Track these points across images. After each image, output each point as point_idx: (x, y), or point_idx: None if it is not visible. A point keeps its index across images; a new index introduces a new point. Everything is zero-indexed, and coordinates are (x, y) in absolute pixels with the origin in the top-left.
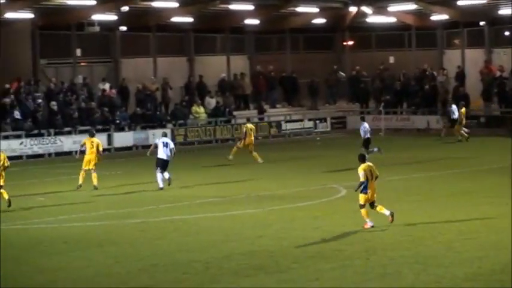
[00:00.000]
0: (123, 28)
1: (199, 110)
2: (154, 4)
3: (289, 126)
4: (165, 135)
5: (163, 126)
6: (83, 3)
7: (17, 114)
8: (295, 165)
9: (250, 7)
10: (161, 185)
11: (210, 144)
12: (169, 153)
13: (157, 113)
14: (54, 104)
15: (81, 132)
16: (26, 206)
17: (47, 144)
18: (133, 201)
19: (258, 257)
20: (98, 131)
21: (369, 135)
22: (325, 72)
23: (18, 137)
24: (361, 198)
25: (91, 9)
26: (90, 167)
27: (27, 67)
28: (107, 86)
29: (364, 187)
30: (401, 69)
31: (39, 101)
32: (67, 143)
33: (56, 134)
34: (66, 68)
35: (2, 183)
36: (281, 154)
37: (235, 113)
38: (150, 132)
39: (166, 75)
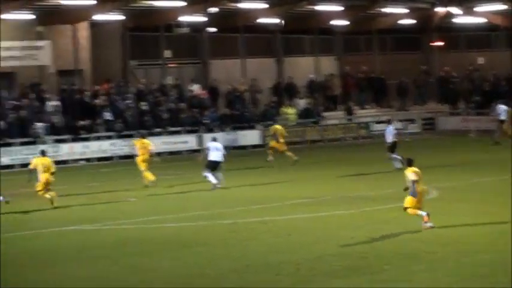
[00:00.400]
0: (212, 29)
1: (288, 111)
2: (243, 5)
3: (378, 127)
4: (214, 139)
5: (252, 128)
6: (172, 4)
7: (107, 115)
8: (384, 166)
9: (338, 8)
10: (215, 181)
11: (299, 145)
12: (221, 156)
13: (246, 114)
14: (144, 105)
15: (171, 133)
16: (117, 206)
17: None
18: (224, 202)
19: (350, 258)
20: (188, 131)
21: (395, 139)
22: (414, 73)
23: (109, 137)
24: (409, 201)
25: (180, 10)
26: (144, 168)
27: (117, 68)
28: (195, 87)
29: (413, 191)
30: (489, 70)
31: (129, 102)
32: (157, 143)
33: (149, 135)
34: (156, 69)
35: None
36: (370, 155)
37: (324, 114)
38: (240, 133)
39: (255, 76)
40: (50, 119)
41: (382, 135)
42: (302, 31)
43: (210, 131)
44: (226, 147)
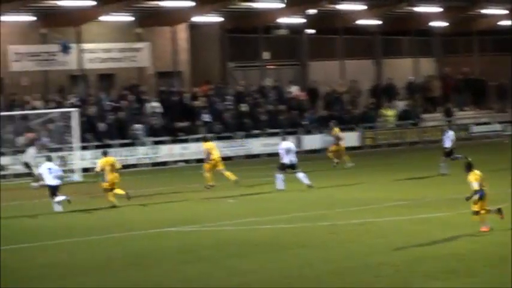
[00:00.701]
0: (310, 31)
1: (387, 113)
2: (341, 7)
3: (478, 129)
4: (285, 139)
5: (352, 130)
6: (271, 6)
7: (206, 117)
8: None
9: (437, 9)
10: (281, 187)
11: (398, 147)
12: (294, 158)
13: (345, 115)
14: (244, 106)
15: (270, 134)
16: (216, 208)
17: (236, 146)
18: (323, 203)
19: (449, 260)
20: (287, 133)
21: (453, 145)
22: None
23: None
24: (476, 206)
25: (278, 12)
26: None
27: (216, 70)
28: (294, 88)
29: (480, 195)
30: None
31: (228, 103)
32: (256, 145)
33: (245, 136)
34: (254, 71)
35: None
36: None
37: (423, 115)
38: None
39: (354, 77)
40: (149, 121)
41: (482, 137)
42: (401, 32)
43: (309, 132)
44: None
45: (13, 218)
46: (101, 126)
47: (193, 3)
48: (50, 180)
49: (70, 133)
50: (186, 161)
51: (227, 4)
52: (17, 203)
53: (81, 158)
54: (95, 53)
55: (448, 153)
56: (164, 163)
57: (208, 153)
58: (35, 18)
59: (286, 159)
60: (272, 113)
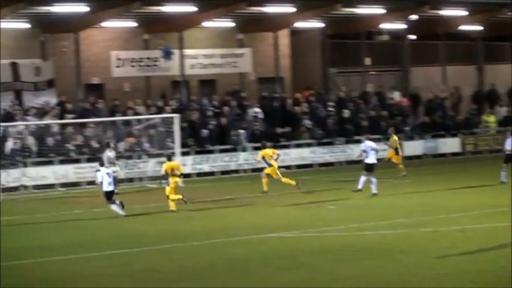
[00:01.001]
0: (412, 36)
1: (489, 119)
2: (443, 12)
3: None
4: (369, 139)
5: (454, 135)
6: (372, 11)
7: (307, 122)
8: None
9: None
10: (360, 186)
11: (499, 153)
12: (375, 158)
13: (447, 121)
14: (346, 112)
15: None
16: (317, 213)
17: (337, 152)
18: (424, 209)
19: None
20: (388, 139)
21: None
22: None
23: (309, 145)
24: None
25: (380, 17)
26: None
27: (317, 76)
28: (396, 94)
29: None
30: None
31: (330, 109)
32: (357, 151)
33: (346, 142)
34: (356, 77)
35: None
36: None
37: None
38: (440, 140)
39: (455, 83)
40: (251, 126)
41: None
42: (503, 38)
43: (410, 138)
44: (425, 155)
45: (112, 223)
46: (203, 132)
47: (295, 9)
48: (107, 186)
49: (171, 138)
50: (287, 167)
51: (329, 10)
52: None
53: (182, 164)
54: (197, 58)
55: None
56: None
57: (266, 159)
58: (137, 24)
59: (370, 160)
60: (373, 119)
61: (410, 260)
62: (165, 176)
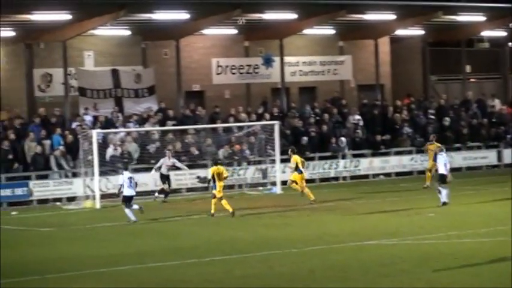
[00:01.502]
0: None
1: None
2: None
3: None
4: (442, 151)
5: None
6: (473, 19)
7: (407, 130)
8: None
9: None
10: (444, 199)
11: None
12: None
13: None
14: (446, 120)
15: (471, 148)
16: (416, 221)
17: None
18: None
19: None
20: (488, 147)
21: None
22: None
23: (409, 152)
24: None
25: (480, 25)
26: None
27: (417, 83)
28: (496, 102)
29: None
30: None
31: (431, 117)
32: (457, 159)
33: (446, 150)
34: (456, 84)
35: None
36: None
37: None
38: None
39: None
40: (351, 134)
41: None
42: None
43: (511, 146)
44: None
45: (210, 230)
46: (303, 139)
47: (395, 16)
48: (127, 190)
49: (271, 146)
50: (386, 174)
51: (430, 17)
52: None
53: (281, 171)
54: (297, 66)
55: None
56: (365, 176)
57: (299, 166)
58: (237, 31)
59: (441, 171)
60: (474, 126)
61: (509, 268)
62: (211, 180)
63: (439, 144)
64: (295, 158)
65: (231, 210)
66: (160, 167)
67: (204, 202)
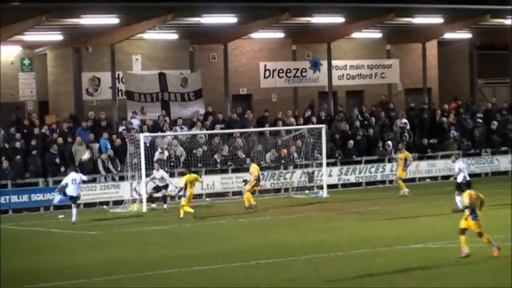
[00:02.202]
0: None
1: None
2: None
3: None
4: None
5: None
6: None
7: (454, 133)
8: None
9: None
10: (460, 207)
11: None
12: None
13: None
14: (494, 124)
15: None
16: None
17: (484, 163)
18: None
19: None
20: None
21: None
22: None
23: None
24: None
25: None
26: None
27: (465, 87)
28: None
29: (473, 213)
30: None
31: (478, 120)
32: (503, 162)
33: (492, 153)
34: (503, 88)
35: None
36: None
37: None
38: None
39: None
40: (398, 137)
41: None
42: None
43: None
44: None
45: (256, 233)
46: (349, 142)
47: (443, 20)
48: (70, 190)
49: (318, 149)
50: (433, 178)
51: (477, 20)
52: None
53: (328, 175)
54: (344, 69)
55: None
56: (412, 179)
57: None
58: (285, 35)
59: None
60: None
61: None
62: (183, 188)
63: (408, 153)
64: (255, 167)
65: (192, 210)
66: (154, 179)
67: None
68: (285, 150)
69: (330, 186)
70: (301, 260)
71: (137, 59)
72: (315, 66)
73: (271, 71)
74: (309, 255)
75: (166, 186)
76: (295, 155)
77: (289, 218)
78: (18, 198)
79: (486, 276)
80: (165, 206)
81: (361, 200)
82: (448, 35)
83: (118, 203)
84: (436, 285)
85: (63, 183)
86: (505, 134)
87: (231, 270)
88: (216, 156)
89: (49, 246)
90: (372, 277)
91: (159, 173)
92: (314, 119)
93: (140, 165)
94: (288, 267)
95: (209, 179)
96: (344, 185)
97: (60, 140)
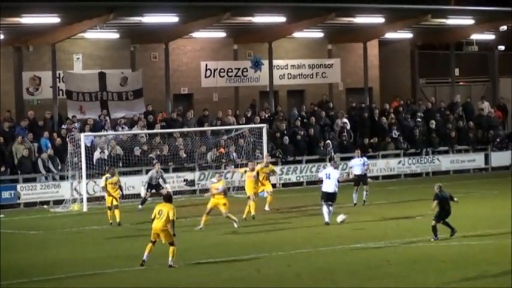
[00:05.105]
0: (501, 47)
1: None
2: None
3: None
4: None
5: None
6: (462, 22)
7: (395, 133)
8: None
9: None
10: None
11: None
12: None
13: None
14: (432, 123)
15: (458, 151)
16: (403, 224)
17: (425, 163)
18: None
19: None
20: (476, 150)
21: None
22: None
23: (397, 156)
24: None
25: (469, 28)
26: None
27: (406, 86)
28: (485, 105)
29: None
30: None
31: (418, 120)
32: (444, 162)
33: (433, 153)
34: (445, 88)
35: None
36: None
37: None
38: None
39: None
40: (338, 137)
41: None
42: None
43: (498, 149)
44: None
45: (202, 234)
46: (285, 138)
47: (384, 20)
48: None
49: (259, 149)
50: (374, 178)
51: (419, 20)
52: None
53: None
54: (286, 69)
55: None
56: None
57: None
58: (226, 35)
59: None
60: (461, 130)
61: (496, 271)
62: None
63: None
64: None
65: (110, 221)
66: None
67: (193, 205)
68: (222, 150)
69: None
70: (242, 259)
71: (78, 58)
72: (256, 65)
73: (213, 71)
74: (250, 255)
75: (157, 186)
76: (235, 154)
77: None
78: None
79: (430, 277)
80: (140, 206)
81: (303, 200)
82: (390, 35)
83: (58, 202)
84: (378, 284)
85: None
86: (445, 133)
87: (172, 269)
88: (151, 155)
89: None
90: (313, 277)
91: (159, 174)
92: (255, 119)
93: (81, 165)
94: (229, 266)
95: None
96: (285, 185)
97: (0, 140)
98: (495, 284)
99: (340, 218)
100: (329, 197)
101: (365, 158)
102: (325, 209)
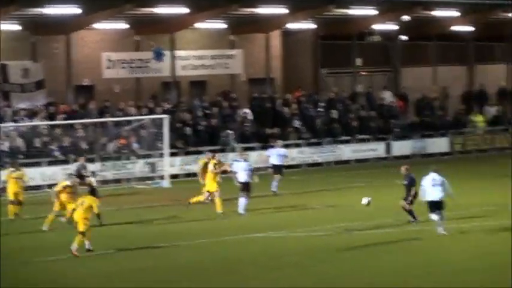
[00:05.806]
0: (404, 37)
1: (476, 119)
2: (435, 13)
3: None
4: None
5: (443, 135)
6: (365, 13)
7: (296, 123)
8: None
9: None
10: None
11: (487, 153)
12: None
13: (436, 121)
14: (334, 113)
15: (360, 140)
16: (304, 214)
17: (326, 152)
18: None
19: None
20: (377, 139)
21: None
22: None
23: (298, 145)
24: None
25: (372, 19)
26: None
27: (308, 77)
28: (387, 95)
29: None
30: None
31: (320, 110)
32: (346, 151)
33: (334, 142)
34: (347, 78)
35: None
36: None
37: None
38: (428, 140)
39: (446, 84)
40: (240, 127)
41: None
42: (494, 38)
43: (399, 138)
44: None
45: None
46: (186, 129)
47: (287, 10)
48: None
49: (161, 140)
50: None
51: (321, 11)
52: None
53: (170, 165)
54: (188, 60)
55: None
56: (257, 169)
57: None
58: (128, 26)
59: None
60: (363, 119)
61: (396, 259)
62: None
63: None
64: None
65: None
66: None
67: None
68: (123, 141)
69: (173, 176)
70: (143, 250)
71: None
72: (158, 56)
73: (114, 62)
74: (151, 245)
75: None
76: (136, 145)
77: (131, 209)
78: None
79: (331, 266)
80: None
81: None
82: (292, 25)
83: None
84: (279, 274)
85: None
86: (347, 123)
87: (72, 261)
88: (52, 146)
89: None
90: (215, 266)
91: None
92: (157, 109)
93: None
94: (131, 257)
95: (50, 170)
96: (187, 175)
97: None
98: (394, 273)
99: (365, 200)
100: (245, 187)
101: (285, 149)
102: (241, 200)
